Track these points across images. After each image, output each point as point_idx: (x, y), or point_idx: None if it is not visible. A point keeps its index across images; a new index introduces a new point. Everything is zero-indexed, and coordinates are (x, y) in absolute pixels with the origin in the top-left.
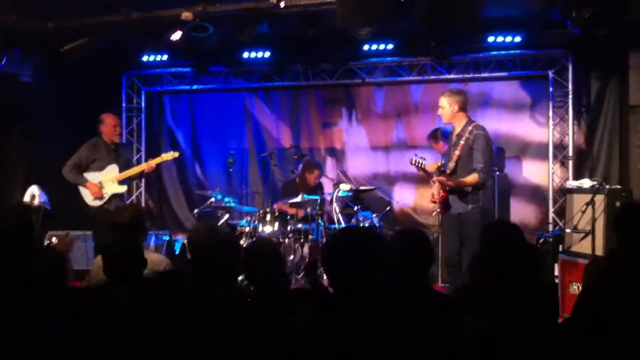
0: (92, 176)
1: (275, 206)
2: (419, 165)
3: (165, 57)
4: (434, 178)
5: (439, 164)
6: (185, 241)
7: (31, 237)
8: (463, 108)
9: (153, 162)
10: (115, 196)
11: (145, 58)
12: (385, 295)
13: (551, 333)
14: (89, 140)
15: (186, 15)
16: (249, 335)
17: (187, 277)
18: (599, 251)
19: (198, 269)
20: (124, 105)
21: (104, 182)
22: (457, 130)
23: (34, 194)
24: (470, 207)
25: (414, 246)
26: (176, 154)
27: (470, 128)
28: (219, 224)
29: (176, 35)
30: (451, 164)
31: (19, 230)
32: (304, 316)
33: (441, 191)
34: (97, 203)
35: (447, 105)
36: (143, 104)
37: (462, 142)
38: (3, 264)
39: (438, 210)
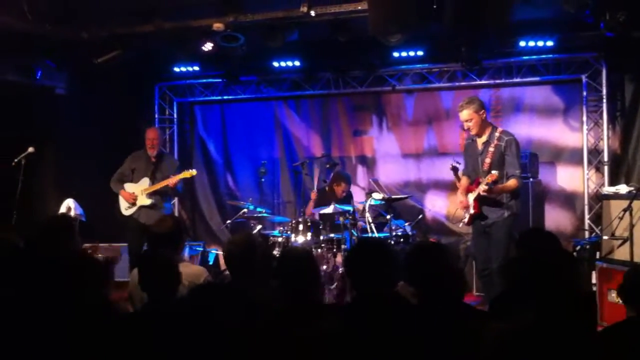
0: (128, 186)
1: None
2: (455, 169)
3: (196, 68)
4: (491, 177)
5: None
6: (220, 252)
7: (73, 242)
8: (486, 114)
9: (173, 180)
10: (143, 208)
11: (177, 69)
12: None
13: (588, 340)
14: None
15: (217, 25)
16: (276, 344)
17: (227, 290)
18: (638, 258)
19: (235, 279)
20: (156, 116)
21: (137, 194)
22: (483, 138)
23: (69, 206)
24: (506, 215)
25: (428, 260)
26: (194, 172)
27: (497, 134)
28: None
29: (208, 46)
30: (484, 172)
31: (61, 234)
32: (328, 328)
33: (474, 202)
34: (128, 212)
35: (475, 116)
36: (175, 115)
37: (491, 149)
38: (44, 266)
39: (465, 221)
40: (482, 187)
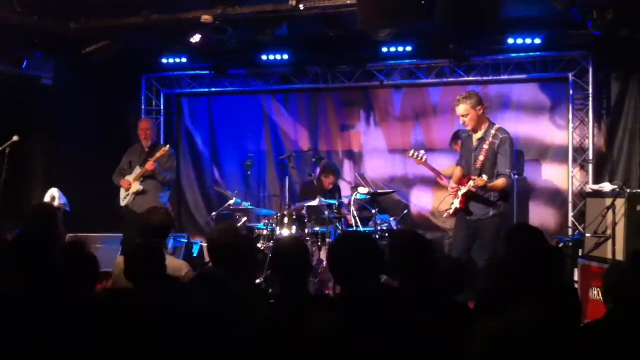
0: (127, 178)
1: (293, 209)
2: (417, 157)
3: (184, 60)
4: (480, 182)
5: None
6: (205, 244)
7: (56, 230)
8: (483, 110)
9: (151, 161)
10: (137, 196)
11: (164, 61)
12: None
13: (574, 336)
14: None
15: (206, 18)
16: (271, 337)
17: (217, 280)
18: (620, 256)
19: (220, 271)
20: (143, 107)
21: (131, 182)
22: (479, 134)
23: (53, 195)
24: (491, 213)
25: (408, 247)
26: (167, 148)
27: (493, 132)
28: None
29: (196, 38)
30: (476, 169)
31: (44, 222)
32: (324, 322)
33: (461, 197)
34: (124, 202)
35: (472, 111)
36: (162, 107)
37: (485, 146)
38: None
39: (451, 213)
40: (464, 190)
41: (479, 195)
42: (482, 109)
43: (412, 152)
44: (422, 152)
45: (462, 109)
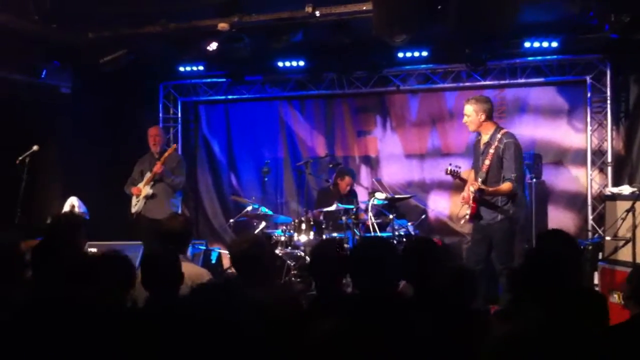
0: (137, 185)
1: (310, 215)
2: (454, 174)
3: (201, 68)
4: (474, 186)
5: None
6: (223, 251)
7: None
8: (490, 116)
9: (159, 163)
10: (148, 200)
11: (181, 68)
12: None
13: (593, 340)
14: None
15: (222, 25)
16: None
17: (235, 288)
18: None
19: (244, 280)
20: (160, 115)
21: (142, 189)
22: (485, 138)
23: (73, 204)
24: (499, 218)
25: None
26: (174, 146)
27: (499, 136)
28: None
29: (212, 46)
30: (482, 173)
31: (69, 232)
32: (326, 325)
33: (472, 202)
34: (135, 209)
35: (473, 114)
36: (179, 114)
37: (491, 150)
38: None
39: (467, 218)
40: (472, 196)
41: (486, 200)
42: (483, 116)
43: (448, 168)
44: (455, 167)
45: (466, 108)
